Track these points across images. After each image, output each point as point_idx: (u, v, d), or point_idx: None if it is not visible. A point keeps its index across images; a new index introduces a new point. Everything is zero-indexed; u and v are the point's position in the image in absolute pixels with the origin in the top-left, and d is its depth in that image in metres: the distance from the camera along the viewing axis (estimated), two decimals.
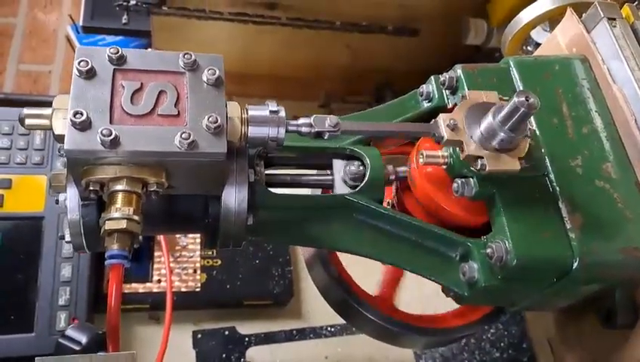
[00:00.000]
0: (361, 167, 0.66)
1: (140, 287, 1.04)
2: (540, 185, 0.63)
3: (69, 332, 0.76)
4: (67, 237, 0.58)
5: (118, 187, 0.50)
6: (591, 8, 0.75)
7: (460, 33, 1.23)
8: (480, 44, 1.21)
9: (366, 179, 0.65)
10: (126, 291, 1.03)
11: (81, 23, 1.34)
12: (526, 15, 0.85)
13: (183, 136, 0.50)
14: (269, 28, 1.17)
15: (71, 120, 0.49)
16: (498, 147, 0.59)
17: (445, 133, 0.59)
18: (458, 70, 0.69)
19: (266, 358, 1.07)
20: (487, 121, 0.59)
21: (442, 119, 0.60)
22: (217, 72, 0.54)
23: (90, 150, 0.49)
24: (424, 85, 0.72)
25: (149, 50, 0.58)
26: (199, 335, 1.06)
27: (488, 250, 0.61)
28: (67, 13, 1.55)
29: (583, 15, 0.76)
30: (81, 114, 0.49)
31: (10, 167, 0.97)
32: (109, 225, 0.49)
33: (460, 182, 0.62)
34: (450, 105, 0.70)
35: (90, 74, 0.52)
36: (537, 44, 1.05)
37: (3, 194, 0.95)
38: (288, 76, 1.29)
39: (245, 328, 1.08)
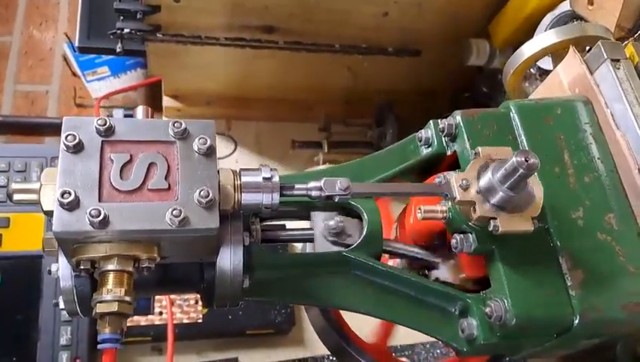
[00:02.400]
0: (341, 223, 0.64)
1: (141, 320, 1.04)
2: (540, 239, 0.62)
3: None
4: (61, 305, 0.57)
5: (109, 267, 0.49)
6: (594, 48, 0.73)
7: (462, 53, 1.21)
8: (482, 65, 1.19)
9: (364, 234, 0.64)
10: (128, 324, 1.03)
11: (76, 44, 1.33)
12: (528, 49, 0.83)
13: (174, 213, 0.49)
14: (266, 52, 1.16)
15: (59, 200, 0.48)
16: (497, 204, 0.58)
17: (457, 193, 0.57)
18: (457, 117, 0.68)
19: None
20: (487, 177, 0.58)
21: (454, 179, 0.58)
22: (208, 141, 0.53)
23: (79, 231, 0.48)
24: (422, 130, 0.71)
25: (139, 118, 0.57)
26: None
27: (487, 309, 0.60)
28: (63, 32, 1.54)
29: (588, 53, 0.74)
30: (69, 193, 0.48)
31: (8, 205, 0.97)
32: (100, 308, 0.48)
33: (458, 238, 0.61)
34: (449, 152, 0.68)
35: (77, 148, 0.51)
36: (540, 69, 1.03)
37: (1, 234, 0.95)
38: (287, 99, 1.27)
39: (248, 358, 1.08)
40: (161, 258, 0.52)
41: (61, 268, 0.55)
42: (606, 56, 0.71)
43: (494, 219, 0.57)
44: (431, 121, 0.71)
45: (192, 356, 1.07)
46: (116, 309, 0.48)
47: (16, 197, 0.52)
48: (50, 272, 0.56)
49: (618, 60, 0.71)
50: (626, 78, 0.70)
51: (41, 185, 0.51)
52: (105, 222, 0.48)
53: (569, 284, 0.60)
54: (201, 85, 1.26)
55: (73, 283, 0.55)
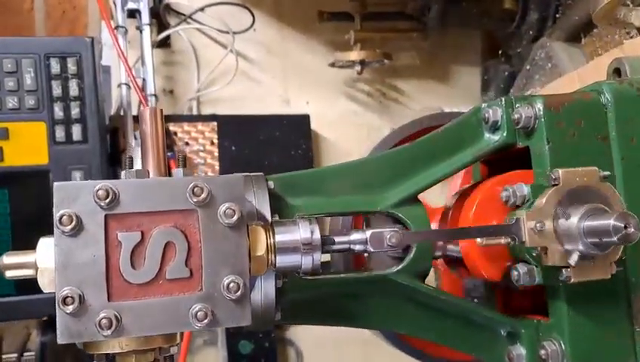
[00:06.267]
0: None
1: None
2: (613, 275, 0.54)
3: None
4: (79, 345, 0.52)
5: None
6: None
7: None
8: None
9: (411, 255, 0.56)
10: None
11: None
12: None
13: (199, 315, 0.42)
14: None
15: (60, 307, 0.40)
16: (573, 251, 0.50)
17: (527, 238, 0.49)
18: (538, 105, 0.55)
19: None
20: (570, 221, 0.49)
21: (525, 219, 0.49)
22: (236, 212, 0.43)
23: (88, 341, 0.41)
24: (490, 110, 0.58)
25: (150, 178, 0.45)
26: None
27: (542, 352, 0.55)
28: None
29: None
30: (72, 298, 0.40)
31: (4, 113, 0.86)
32: None
33: (521, 271, 0.54)
34: (520, 145, 0.57)
35: (75, 229, 0.41)
36: None
37: (2, 147, 0.85)
38: None
39: None
40: None
41: None
42: None
43: (566, 268, 0.50)
44: (503, 100, 0.57)
45: None
46: None
47: (8, 274, 0.44)
48: None
49: None
50: None
51: (37, 269, 0.43)
52: (118, 330, 0.41)
53: (637, 330, 0.55)
54: None
55: None
